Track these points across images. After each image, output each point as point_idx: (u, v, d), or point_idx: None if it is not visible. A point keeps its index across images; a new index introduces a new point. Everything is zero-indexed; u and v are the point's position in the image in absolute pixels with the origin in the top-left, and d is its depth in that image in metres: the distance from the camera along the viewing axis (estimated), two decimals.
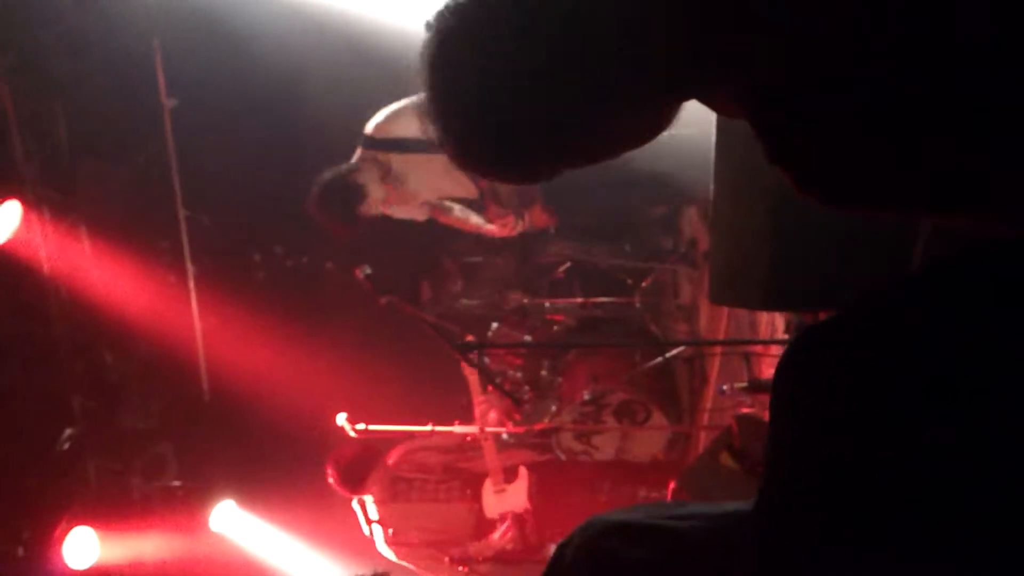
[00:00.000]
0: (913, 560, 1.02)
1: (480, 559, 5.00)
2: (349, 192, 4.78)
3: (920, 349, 1.07)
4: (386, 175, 4.87)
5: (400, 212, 5.06)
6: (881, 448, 1.04)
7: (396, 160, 4.85)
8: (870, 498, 1.04)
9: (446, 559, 5.00)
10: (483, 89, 1.24)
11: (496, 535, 5.14)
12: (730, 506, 1.44)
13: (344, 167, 4.88)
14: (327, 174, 4.84)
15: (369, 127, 4.86)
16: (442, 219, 5.15)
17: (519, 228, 5.13)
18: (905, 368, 1.07)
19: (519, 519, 5.11)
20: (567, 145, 1.30)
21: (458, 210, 5.08)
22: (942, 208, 1.23)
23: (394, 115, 4.81)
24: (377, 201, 4.87)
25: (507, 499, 5.12)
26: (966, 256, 1.18)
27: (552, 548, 1.49)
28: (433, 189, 5.03)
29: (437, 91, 1.29)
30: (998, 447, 1.01)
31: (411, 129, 4.80)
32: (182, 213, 5.51)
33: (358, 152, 4.91)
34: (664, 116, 1.32)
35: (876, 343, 1.10)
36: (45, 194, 4.83)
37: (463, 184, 5.01)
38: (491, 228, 5.10)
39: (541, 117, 1.24)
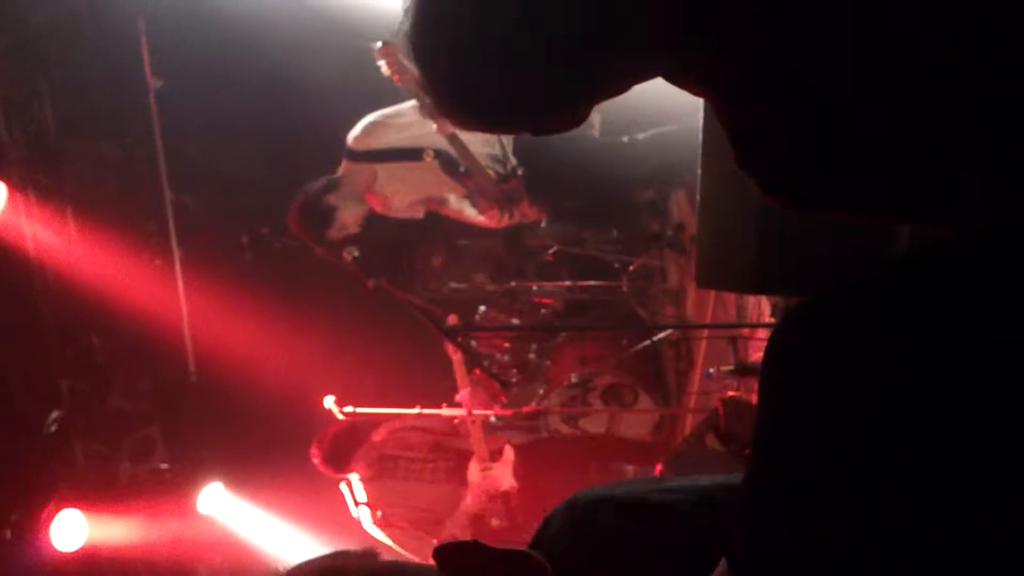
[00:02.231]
0: (921, 535, 1.02)
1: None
2: (319, 215, 4.85)
3: (935, 324, 1.07)
4: (371, 186, 4.92)
5: (396, 212, 5.10)
6: (899, 420, 1.04)
7: (382, 170, 4.91)
8: (883, 470, 1.04)
9: (434, 541, 5.02)
10: (477, 21, 1.21)
11: (466, 502, 5.16)
12: (718, 478, 1.44)
13: (322, 184, 4.91)
14: (307, 189, 4.89)
15: (350, 139, 4.90)
16: (441, 210, 5.20)
17: (507, 221, 5.15)
18: (923, 341, 1.06)
19: (505, 497, 5.13)
20: (557, 84, 1.25)
21: (454, 200, 5.12)
22: (906, 215, 1.26)
23: (371, 128, 4.86)
24: (348, 224, 4.92)
25: (493, 477, 5.14)
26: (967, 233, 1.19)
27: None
28: (421, 192, 5.07)
29: (427, 24, 1.24)
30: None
31: (389, 140, 4.86)
32: (168, 195, 5.49)
33: (343, 164, 4.95)
34: (639, 78, 1.30)
35: (885, 316, 1.10)
36: (31, 176, 4.80)
37: (448, 185, 5.04)
38: (483, 220, 5.14)
39: (532, 52, 1.21)
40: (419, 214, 5.19)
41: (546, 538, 1.43)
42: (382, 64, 4.28)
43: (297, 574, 1.15)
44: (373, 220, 5.08)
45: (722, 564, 1.15)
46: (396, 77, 4.31)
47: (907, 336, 1.07)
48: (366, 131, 4.87)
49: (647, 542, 1.37)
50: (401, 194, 5.02)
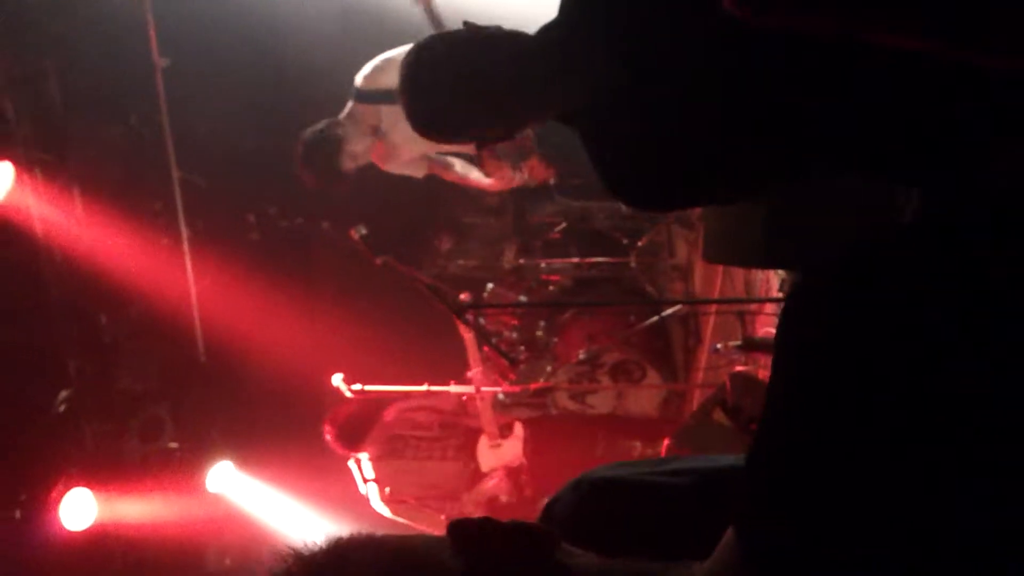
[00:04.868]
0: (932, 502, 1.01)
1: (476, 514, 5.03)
2: (327, 146, 4.63)
3: (953, 286, 1.06)
4: (376, 128, 4.72)
5: (396, 167, 4.91)
6: (904, 383, 1.03)
7: (386, 111, 4.70)
8: (892, 433, 1.03)
9: (442, 517, 5.04)
10: (449, 88, 2.06)
11: (490, 483, 5.16)
12: (723, 460, 1.44)
13: (324, 122, 4.72)
14: (307, 132, 4.69)
15: (358, 79, 4.70)
16: (444, 175, 5.01)
17: (517, 181, 5.00)
18: (940, 306, 1.05)
19: (514, 472, 5.13)
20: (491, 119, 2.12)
21: (459, 165, 4.95)
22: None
23: (382, 64, 4.60)
24: (359, 153, 4.72)
25: (503, 453, 5.14)
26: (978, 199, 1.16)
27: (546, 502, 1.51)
28: (426, 143, 4.89)
29: (418, 89, 2.12)
30: None
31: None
32: (176, 174, 5.48)
33: (349, 105, 4.77)
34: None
35: (897, 283, 1.09)
36: (37, 155, 4.80)
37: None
38: (490, 183, 4.99)
39: (479, 102, 2.06)
40: (420, 174, 5.03)
41: (551, 519, 1.44)
42: None
43: (300, 560, 1.14)
44: (381, 194, 4.99)
45: (728, 533, 1.15)
46: None
47: (916, 302, 1.07)
48: (377, 68, 4.54)
49: (650, 523, 1.37)
50: (404, 144, 4.82)
